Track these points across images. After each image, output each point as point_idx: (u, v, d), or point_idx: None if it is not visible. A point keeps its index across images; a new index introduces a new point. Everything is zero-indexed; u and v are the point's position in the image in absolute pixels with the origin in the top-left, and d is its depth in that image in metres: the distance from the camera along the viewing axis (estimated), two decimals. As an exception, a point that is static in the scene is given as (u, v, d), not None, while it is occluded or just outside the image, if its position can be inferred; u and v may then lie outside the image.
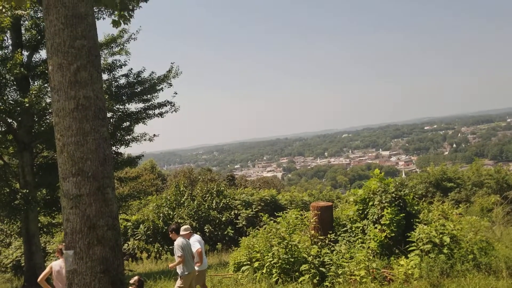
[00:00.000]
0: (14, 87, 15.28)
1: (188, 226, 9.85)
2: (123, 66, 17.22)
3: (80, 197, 4.54)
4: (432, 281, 8.50)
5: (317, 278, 9.34)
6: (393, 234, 9.84)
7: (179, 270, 8.54)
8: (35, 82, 15.97)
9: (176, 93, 18.18)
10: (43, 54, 17.01)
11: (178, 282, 8.57)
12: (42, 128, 15.44)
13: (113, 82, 16.94)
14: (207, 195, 23.61)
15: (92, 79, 4.78)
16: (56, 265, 7.75)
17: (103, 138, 4.73)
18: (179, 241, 8.51)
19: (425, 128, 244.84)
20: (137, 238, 21.47)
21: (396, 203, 10.19)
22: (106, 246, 4.58)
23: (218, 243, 20.85)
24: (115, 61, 17.12)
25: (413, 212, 10.48)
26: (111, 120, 16.77)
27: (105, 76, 16.96)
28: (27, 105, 13.70)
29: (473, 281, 8.29)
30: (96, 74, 4.83)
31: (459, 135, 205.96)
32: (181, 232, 9.54)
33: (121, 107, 17.03)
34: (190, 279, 8.59)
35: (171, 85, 17.71)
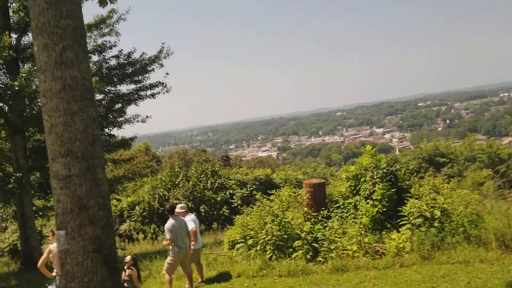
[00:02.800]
0: (4, 70, 15.10)
1: (184, 205, 9.95)
2: (113, 47, 17.02)
3: (70, 177, 4.55)
4: (423, 254, 8.64)
5: (310, 254, 9.48)
6: (384, 209, 9.95)
7: (170, 247, 8.70)
8: (25, 65, 15.78)
9: (168, 74, 18.05)
10: (31, 36, 16.79)
11: (168, 258, 8.74)
12: (34, 112, 15.33)
13: (104, 64, 16.75)
14: (202, 176, 23.72)
15: (78, 59, 4.74)
16: (54, 247, 7.81)
17: (91, 118, 4.73)
18: (169, 224, 8.59)
19: (419, 104, 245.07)
20: (133, 219, 21.61)
21: (387, 178, 10.29)
22: (97, 226, 4.62)
23: (214, 223, 21.03)
24: (105, 42, 16.91)
25: (405, 187, 10.58)
26: (103, 102, 16.64)
27: (95, 58, 16.79)
28: (17, 88, 13.57)
29: (463, 253, 8.44)
30: (82, 54, 4.79)
31: (453, 110, 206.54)
32: (177, 210, 9.64)
33: (112, 88, 16.87)
34: (181, 257, 8.69)
35: (162, 66, 17.56)
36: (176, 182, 23.22)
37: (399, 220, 9.68)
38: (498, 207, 11.33)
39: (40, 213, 17.74)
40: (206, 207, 21.72)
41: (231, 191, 22.86)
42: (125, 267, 9.23)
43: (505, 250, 8.41)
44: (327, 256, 9.29)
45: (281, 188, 14.25)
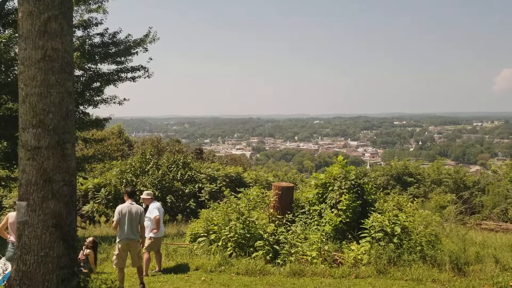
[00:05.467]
0: (-17, 34, 14.67)
1: (150, 191, 9.86)
2: (99, 25, 16.73)
3: (38, 149, 4.49)
4: (379, 267, 8.85)
5: (270, 255, 9.58)
6: (348, 220, 10.14)
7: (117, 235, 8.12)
8: (6, 30, 15.35)
9: (151, 59, 17.85)
10: (16, 2, 16.32)
11: (115, 248, 8.17)
12: (9, 79, 14.93)
13: (87, 40, 16.45)
14: (173, 166, 23.52)
15: (63, 31, 4.67)
16: (12, 216, 7.68)
17: (67, 93, 4.66)
18: (120, 206, 8.03)
19: (395, 123, 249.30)
20: (97, 201, 21.27)
21: (354, 190, 10.49)
22: (60, 201, 4.56)
23: (179, 214, 20.89)
24: (91, 18, 16.60)
25: (370, 200, 10.81)
26: (81, 79, 16.35)
27: (79, 33, 16.47)
28: (-6, 53, 13.21)
29: (417, 271, 8.70)
30: (66, 27, 4.73)
31: (426, 133, 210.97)
32: (143, 196, 9.55)
33: (93, 66, 16.59)
34: (124, 248, 7.98)
35: (146, 50, 17.37)
36: (146, 169, 22.96)
37: (360, 232, 9.87)
38: (457, 231, 11.69)
39: (3, 183, 17.27)
40: (173, 198, 21.55)
41: (200, 185, 22.74)
42: (84, 247, 9.14)
43: (457, 273, 8.70)
44: (286, 259, 9.41)
45: (251, 187, 14.31)
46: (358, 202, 10.30)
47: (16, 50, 13.79)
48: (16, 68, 14.86)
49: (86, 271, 7.84)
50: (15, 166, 16.50)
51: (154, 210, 9.26)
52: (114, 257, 8.12)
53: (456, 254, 9.04)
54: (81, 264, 7.86)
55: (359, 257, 9.28)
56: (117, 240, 8.02)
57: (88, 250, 9.23)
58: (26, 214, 4.48)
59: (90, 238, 9.73)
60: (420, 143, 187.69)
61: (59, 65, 4.60)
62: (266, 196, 11.96)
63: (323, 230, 10.22)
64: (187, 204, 21.51)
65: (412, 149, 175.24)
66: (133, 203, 8.11)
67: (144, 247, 9.19)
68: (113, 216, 8.09)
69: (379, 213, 10.23)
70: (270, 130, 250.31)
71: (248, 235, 10.03)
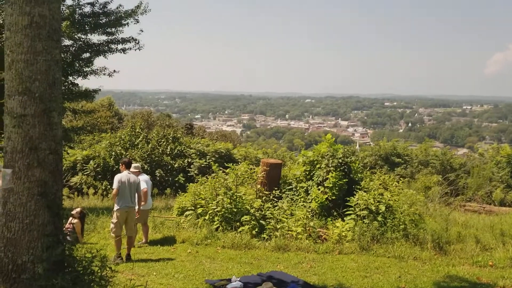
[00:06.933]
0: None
1: (138, 165, 9.88)
2: (89, -6, 16.34)
3: (24, 117, 4.45)
4: (362, 244, 9.05)
5: (256, 230, 9.72)
6: (334, 197, 10.29)
7: (114, 205, 8.38)
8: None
9: (142, 31, 17.55)
10: (3, -33, 15.86)
11: (113, 217, 8.43)
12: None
13: (77, 9, 16.09)
14: (162, 140, 23.50)
15: (50, -3, 4.58)
16: None
17: (54, 61, 4.60)
18: (119, 175, 8.36)
19: (385, 104, 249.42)
20: (85, 173, 21.24)
21: (341, 168, 10.61)
22: (46, 170, 4.55)
23: (168, 189, 20.97)
24: (81, -13, 16.20)
25: (356, 179, 10.95)
26: (71, 49, 16.06)
27: (69, 1, 16.14)
28: (-20, 19, 12.91)
29: (400, 248, 8.91)
30: (54, -7, 4.63)
31: (416, 115, 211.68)
32: (131, 169, 9.55)
33: (82, 36, 16.27)
34: (123, 216, 8.25)
35: (138, 22, 17.06)
36: (135, 143, 22.91)
37: (345, 210, 10.03)
38: (440, 212, 11.90)
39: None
40: (162, 172, 21.61)
41: (189, 160, 22.78)
42: (71, 217, 9.17)
43: (438, 252, 8.92)
44: (271, 234, 9.55)
45: (240, 163, 14.38)
46: (344, 180, 10.43)
47: (3, 16, 13.46)
48: (3, 36, 14.56)
49: (71, 240, 7.90)
50: (1, 134, 16.34)
51: (142, 183, 9.29)
52: (112, 225, 8.32)
53: (438, 233, 9.25)
54: (67, 233, 7.91)
55: (343, 234, 9.46)
56: (116, 208, 8.25)
57: (75, 220, 9.27)
58: (11, 181, 4.47)
59: (78, 209, 9.76)
60: (409, 124, 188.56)
61: (46, 32, 4.52)
62: (254, 172, 12.04)
63: (309, 206, 10.37)
64: (176, 179, 21.58)
65: (401, 130, 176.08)
66: (130, 173, 8.55)
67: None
68: (109, 186, 8.24)
69: (365, 191, 10.39)
70: (261, 107, 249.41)
71: (235, 210, 10.15)
